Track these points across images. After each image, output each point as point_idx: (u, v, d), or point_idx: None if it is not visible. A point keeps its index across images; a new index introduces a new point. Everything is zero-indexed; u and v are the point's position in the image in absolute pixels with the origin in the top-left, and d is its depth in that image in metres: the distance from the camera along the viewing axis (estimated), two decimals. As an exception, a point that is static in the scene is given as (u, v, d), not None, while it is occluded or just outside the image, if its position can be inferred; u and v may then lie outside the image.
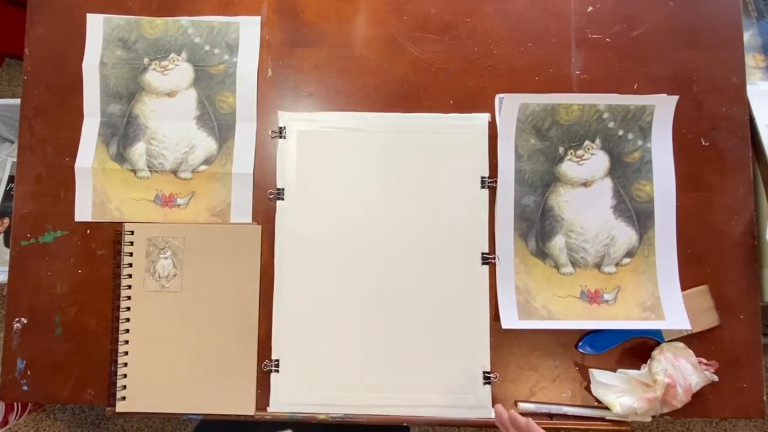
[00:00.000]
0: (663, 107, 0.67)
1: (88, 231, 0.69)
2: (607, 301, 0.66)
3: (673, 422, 1.29)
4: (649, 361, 0.64)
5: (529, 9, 0.71)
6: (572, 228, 0.67)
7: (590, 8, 0.71)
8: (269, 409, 0.66)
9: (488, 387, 0.65)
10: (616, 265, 0.67)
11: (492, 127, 0.69)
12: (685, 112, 0.68)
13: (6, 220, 1.08)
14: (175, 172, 0.70)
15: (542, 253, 0.67)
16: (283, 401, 0.66)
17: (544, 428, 0.64)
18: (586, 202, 0.67)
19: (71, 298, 0.69)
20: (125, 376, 0.66)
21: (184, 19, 0.72)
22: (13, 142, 1.16)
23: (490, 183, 0.68)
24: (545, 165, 0.68)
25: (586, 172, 0.68)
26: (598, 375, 0.64)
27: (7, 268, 0.69)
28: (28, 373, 0.68)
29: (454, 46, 0.71)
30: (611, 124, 0.68)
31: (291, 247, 0.68)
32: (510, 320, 0.65)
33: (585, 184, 0.68)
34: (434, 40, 0.71)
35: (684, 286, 0.66)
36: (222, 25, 0.72)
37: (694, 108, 0.69)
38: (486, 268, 0.67)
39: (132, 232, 0.68)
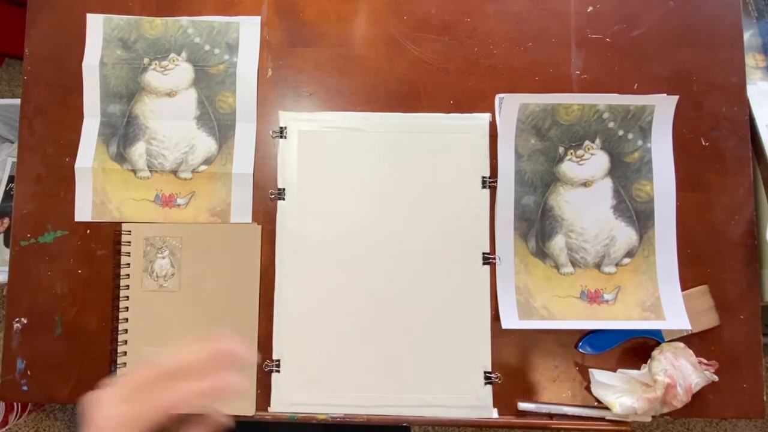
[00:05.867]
0: (663, 107, 0.67)
1: (88, 231, 0.69)
2: (607, 301, 0.66)
3: (673, 422, 1.29)
4: (649, 361, 0.64)
5: (529, 9, 0.71)
6: (572, 228, 0.67)
7: (590, 8, 0.71)
8: (270, 409, 0.66)
9: (489, 387, 0.65)
10: (616, 265, 0.67)
11: (492, 127, 0.69)
12: (685, 112, 0.69)
13: (6, 220, 1.08)
14: (175, 172, 0.70)
15: (542, 253, 0.67)
16: (284, 401, 0.66)
17: (543, 428, 0.64)
18: (586, 202, 0.67)
19: (71, 298, 0.69)
20: (125, 376, 0.66)
21: (184, 19, 0.72)
22: (13, 142, 1.16)
23: (491, 183, 0.68)
24: (545, 165, 0.68)
25: (586, 172, 0.68)
26: (598, 375, 0.64)
27: (7, 268, 0.69)
28: (28, 373, 0.68)
29: (454, 46, 0.71)
30: (611, 124, 0.68)
31: (292, 247, 0.68)
32: (510, 320, 0.65)
33: (585, 184, 0.68)
34: (434, 40, 0.71)
35: (684, 286, 0.66)
36: (222, 25, 0.72)
37: (694, 108, 0.69)
38: (487, 268, 0.67)
39: (129, 232, 0.68)
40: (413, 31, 0.71)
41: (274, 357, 0.66)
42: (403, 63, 0.71)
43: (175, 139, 0.70)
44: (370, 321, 0.67)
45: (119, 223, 0.69)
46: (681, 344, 0.64)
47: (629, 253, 0.67)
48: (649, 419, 0.63)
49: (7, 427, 1.21)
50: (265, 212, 0.69)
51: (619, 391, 0.63)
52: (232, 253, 0.68)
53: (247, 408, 0.65)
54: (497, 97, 0.70)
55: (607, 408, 0.63)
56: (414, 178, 0.69)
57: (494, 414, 0.65)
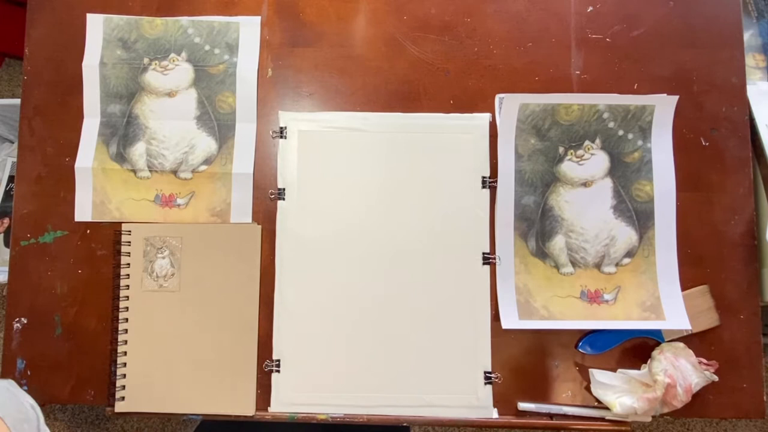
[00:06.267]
0: (663, 107, 0.67)
1: (88, 231, 0.69)
2: (607, 301, 0.66)
3: (673, 422, 1.29)
4: (649, 361, 0.64)
5: (529, 9, 0.71)
6: (572, 228, 0.67)
7: (590, 8, 0.71)
8: (271, 409, 0.66)
9: (489, 387, 0.65)
10: (616, 265, 0.67)
11: (492, 127, 0.69)
12: (685, 112, 0.69)
13: (6, 220, 1.08)
14: (175, 172, 0.70)
15: (542, 253, 0.67)
16: (284, 401, 0.66)
17: (543, 428, 0.64)
18: (586, 202, 0.67)
19: (71, 298, 0.69)
20: (124, 376, 0.66)
21: (184, 19, 0.72)
22: (13, 142, 1.16)
23: (491, 183, 0.68)
24: (545, 165, 0.68)
25: (586, 172, 0.68)
26: (598, 375, 0.64)
27: (7, 268, 0.69)
28: (28, 373, 0.68)
29: (454, 46, 0.71)
30: (611, 124, 0.68)
31: (292, 247, 0.68)
32: (510, 320, 0.65)
33: (585, 184, 0.68)
34: (434, 40, 0.71)
35: (684, 286, 0.66)
36: (222, 25, 0.72)
37: (694, 108, 0.69)
38: (487, 268, 0.67)
39: (129, 232, 0.68)
40: (413, 31, 0.71)
41: (274, 357, 0.66)
42: (403, 63, 0.71)
43: (175, 139, 0.70)
44: (370, 321, 0.67)
45: (119, 223, 0.69)
46: (681, 344, 0.64)
47: (629, 253, 0.67)
48: (649, 419, 0.63)
49: (7, 427, 1.21)
50: (265, 212, 0.69)
51: (619, 391, 0.63)
52: (232, 253, 0.68)
53: (247, 408, 0.66)
54: (497, 97, 0.70)
55: (607, 408, 0.63)
56: (414, 178, 0.69)
57: (494, 414, 0.65)
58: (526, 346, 0.66)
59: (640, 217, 0.67)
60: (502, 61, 0.71)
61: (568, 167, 0.68)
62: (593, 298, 0.66)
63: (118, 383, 0.66)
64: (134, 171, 0.70)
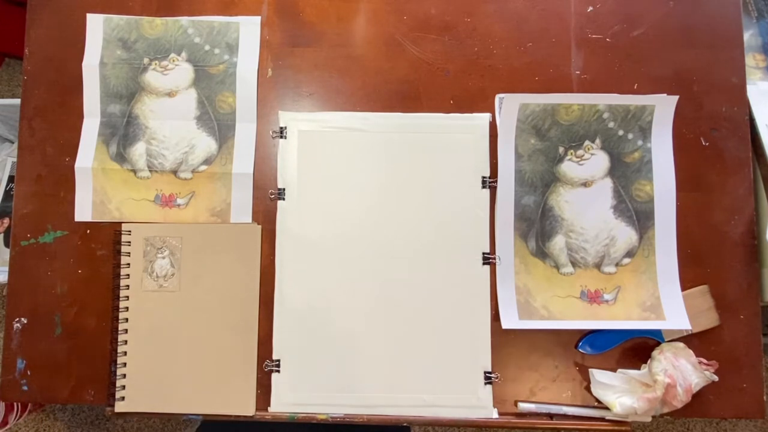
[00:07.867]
0: (663, 107, 0.67)
1: (88, 231, 0.69)
2: (607, 301, 0.66)
3: (673, 422, 1.29)
4: (649, 361, 0.64)
5: (529, 9, 0.71)
6: (572, 228, 0.67)
7: (590, 8, 0.71)
8: (271, 409, 0.66)
9: (489, 387, 0.65)
10: (616, 265, 0.67)
11: (492, 127, 0.69)
12: (685, 112, 0.69)
13: (6, 220, 1.08)
14: (175, 172, 0.70)
15: (542, 253, 0.67)
16: (284, 401, 0.66)
17: (543, 428, 0.64)
18: (586, 202, 0.67)
19: (71, 298, 0.69)
20: (124, 376, 0.66)
21: (184, 19, 0.72)
22: (13, 142, 1.16)
23: (491, 183, 0.68)
24: (545, 165, 0.68)
25: (586, 172, 0.68)
26: (598, 375, 0.64)
27: (7, 268, 0.69)
28: (28, 373, 0.68)
29: (454, 46, 0.71)
30: (611, 124, 0.68)
31: (292, 247, 0.68)
32: (510, 320, 0.65)
33: (585, 184, 0.68)
34: (434, 40, 0.71)
35: (684, 286, 0.66)
36: (222, 25, 0.72)
37: (694, 108, 0.69)
38: (487, 268, 0.67)
39: (129, 232, 0.68)
40: (413, 31, 0.71)
41: (274, 357, 0.66)
42: (403, 63, 0.71)
43: (175, 139, 0.70)
44: (370, 321, 0.67)
45: (119, 223, 0.69)
46: (681, 344, 0.64)
47: (629, 253, 0.67)
48: (649, 419, 0.63)
49: (7, 427, 1.21)
50: (265, 212, 0.69)
51: (619, 391, 0.63)
52: (232, 253, 0.68)
53: (247, 408, 0.66)
54: (497, 97, 0.70)
55: (607, 408, 0.63)
56: (414, 178, 0.69)
57: (494, 414, 0.65)
58: (526, 346, 0.66)
59: (640, 217, 0.67)
60: (502, 61, 0.71)
61: (568, 167, 0.68)
62: (593, 298, 0.66)
63: (118, 383, 0.66)
64: (134, 171, 0.70)
